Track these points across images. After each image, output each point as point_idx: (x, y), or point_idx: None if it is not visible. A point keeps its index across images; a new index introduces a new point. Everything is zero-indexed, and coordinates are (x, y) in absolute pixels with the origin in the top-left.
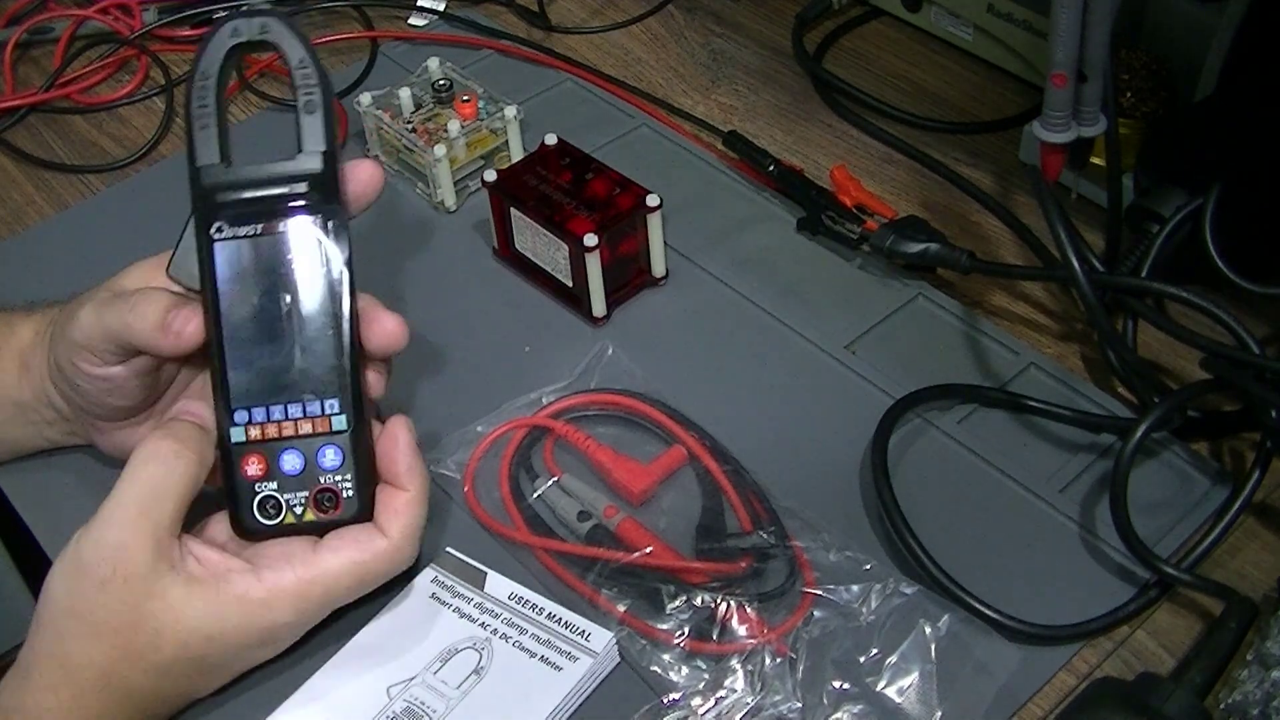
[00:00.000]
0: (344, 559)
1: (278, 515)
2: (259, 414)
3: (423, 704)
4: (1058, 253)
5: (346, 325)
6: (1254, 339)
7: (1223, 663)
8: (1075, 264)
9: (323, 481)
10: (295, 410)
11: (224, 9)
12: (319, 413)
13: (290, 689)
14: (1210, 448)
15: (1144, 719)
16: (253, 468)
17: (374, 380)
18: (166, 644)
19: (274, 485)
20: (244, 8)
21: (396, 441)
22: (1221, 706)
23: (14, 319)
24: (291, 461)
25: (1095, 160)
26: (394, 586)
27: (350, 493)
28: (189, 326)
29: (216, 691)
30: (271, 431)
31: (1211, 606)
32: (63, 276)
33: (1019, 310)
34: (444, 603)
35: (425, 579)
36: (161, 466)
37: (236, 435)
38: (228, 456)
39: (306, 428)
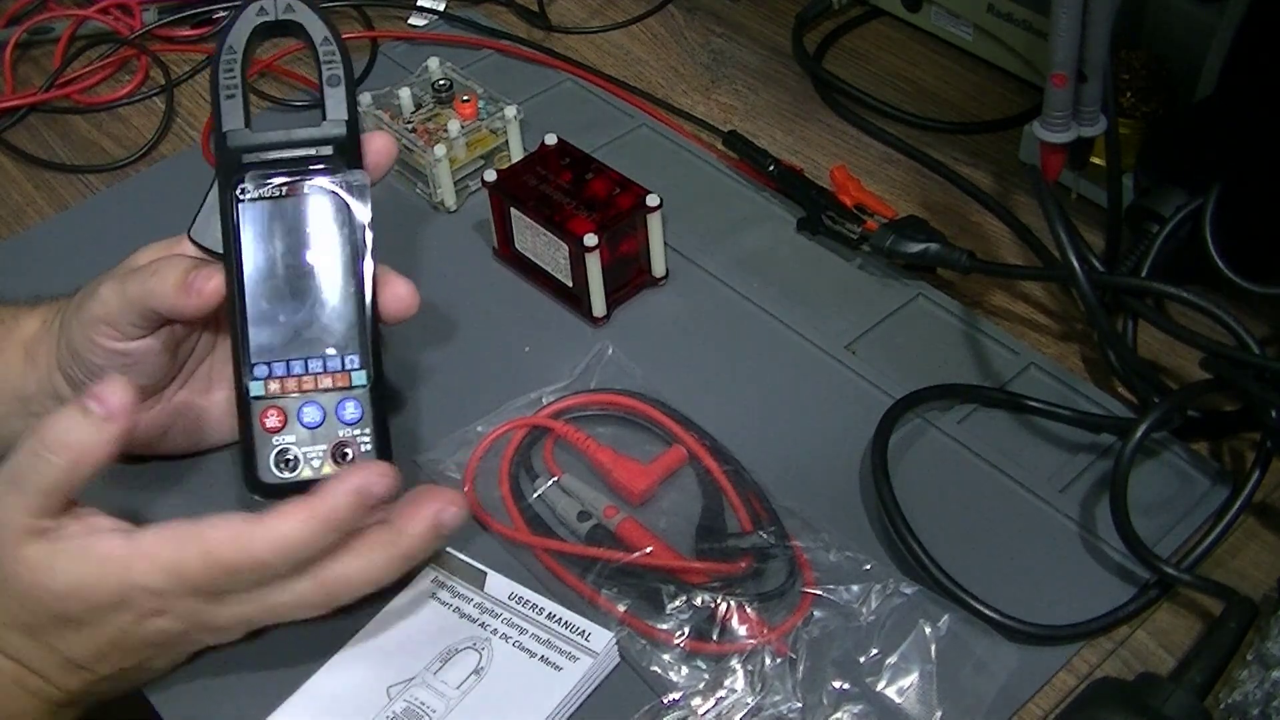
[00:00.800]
0: (230, 523)
1: (295, 469)
2: (279, 368)
3: (423, 704)
4: (1058, 253)
5: (369, 283)
6: (1254, 339)
7: (1223, 663)
8: (1075, 264)
9: (341, 435)
10: (316, 365)
11: (224, 9)
12: (339, 368)
13: (290, 689)
14: (1210, 448)
15: (1144, 719)
16: (271, 420)
17: None
18: (31, 602)
19: (292, 438)
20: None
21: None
22: (1221, 706)
23: (19, 312)
24: (311, 414)
25: (1095, 160)
26: (394, 586)
27: (368, 447)
28: (209, 285)
29: (214, 692)
30: (291, 386)
31: (1211, 606)
32: (63, 276)
33: (1019, 310)
34: (444, 603)
35: (425, 579)
36: (27, 457)
37: (255, 389)
38: (246, 410)
39: (326, 382)
